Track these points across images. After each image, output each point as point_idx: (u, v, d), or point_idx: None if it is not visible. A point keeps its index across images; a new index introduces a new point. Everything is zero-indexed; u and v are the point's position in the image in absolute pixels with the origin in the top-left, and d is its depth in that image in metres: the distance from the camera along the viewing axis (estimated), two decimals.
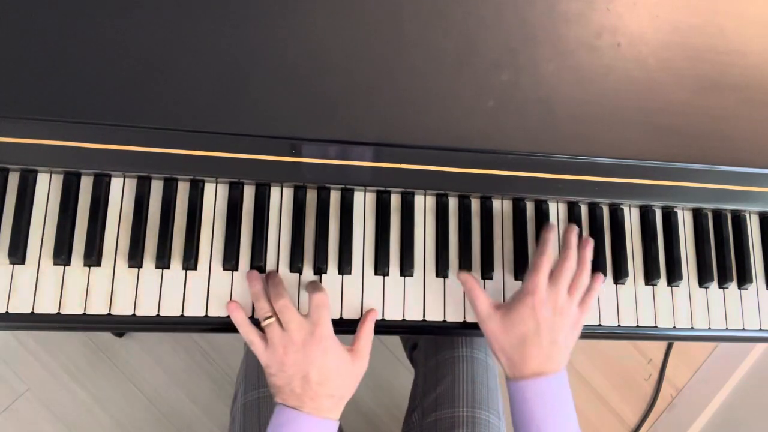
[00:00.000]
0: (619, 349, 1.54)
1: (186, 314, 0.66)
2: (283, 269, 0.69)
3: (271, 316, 0.62)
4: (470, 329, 0.71)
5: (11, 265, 0.64)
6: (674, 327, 0.76)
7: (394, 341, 1.40)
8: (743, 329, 0.78)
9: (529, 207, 0.75)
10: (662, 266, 0.77)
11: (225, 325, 0.67)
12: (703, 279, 0.77)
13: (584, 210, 0.76)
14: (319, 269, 0.69)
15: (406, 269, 0.70)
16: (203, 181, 0.68)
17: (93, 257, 0.64)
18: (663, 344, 1.54)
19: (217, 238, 0.68)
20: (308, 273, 0.69)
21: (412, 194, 0.72)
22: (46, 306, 0.64)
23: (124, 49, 0.63)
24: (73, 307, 0.64)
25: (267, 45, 0.65)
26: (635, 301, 0.75)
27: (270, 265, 0.68)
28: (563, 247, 0.69)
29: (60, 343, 1.31)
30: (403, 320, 0.70)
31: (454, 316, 0.71)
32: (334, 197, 0.71)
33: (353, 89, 0.67)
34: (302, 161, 0.66)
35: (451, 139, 0.68)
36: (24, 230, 0.64)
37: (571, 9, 0.72)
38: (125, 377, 1.33)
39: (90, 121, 0.63)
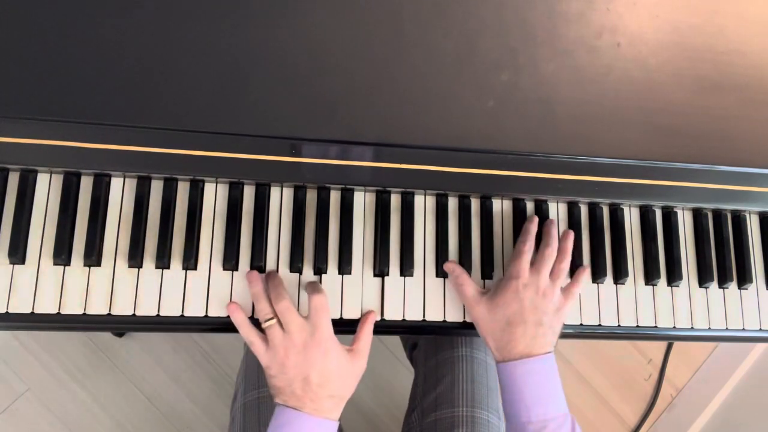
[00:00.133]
0: (619, 349, 1.53)
1: (186, 314, 0.66)
2: (283, 269, 0.69)
3: (272, 318, 0.62)
4: (470, 329, 0.71)
5: (11, 265, 0.64)
6: (674, 327, 0.76)
7: (394, 341, 1.40)
8: (743, 329, 0.78)
9: (529, 207, 0.75)
10: (662, 266, 0.77)
11: (225, 325, 0.67)
12: (703, 279, 0.77)
13: (584, 210, 0.76)
14: (319, 269, 0.69)
15: (406, 269, 0.70)
16: (203, 181, 0.68)
17: (93, 257, 0.64)
18: (663, 344, 1.54)
19: (217, 238, 0.68)
20: (308, 273, 0.69)
21: (412, 194, 0.72)
22: (46, 306, 0.64)
23: (124, 49, 0.63)
24: (73, 307, 0.64)
25: (267, 45, 0.65)
26: (635, 301, 0.75)
27: (270, 265, 0.68)
28: (543, 236, 0.72)
29: (60, 343, 1.31)
30: (403, 320, 0.70)
31: (453, 315, 0.71)
32: (334, 197, 0.71)
33: (353, 89, 0.67)
34: (302, 161, 0.66)
35: (451, 139, 0.68)
36: (24, 230, 0.64)
37: (571, 9, 0.72)
38: (125, 377, 1.33)
39: (90, 121, 0.63)
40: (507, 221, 0.75)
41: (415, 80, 0.68)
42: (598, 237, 0.75)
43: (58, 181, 0.66)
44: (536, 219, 0.73)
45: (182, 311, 0.66)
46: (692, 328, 0.76)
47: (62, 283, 0.64)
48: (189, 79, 0.64)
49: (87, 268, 0.65)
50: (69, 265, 0.65)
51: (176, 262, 0.67)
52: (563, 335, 0.71)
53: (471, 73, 0.69)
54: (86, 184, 0.66)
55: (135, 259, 0.65)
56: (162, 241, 0.66)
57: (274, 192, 0.70)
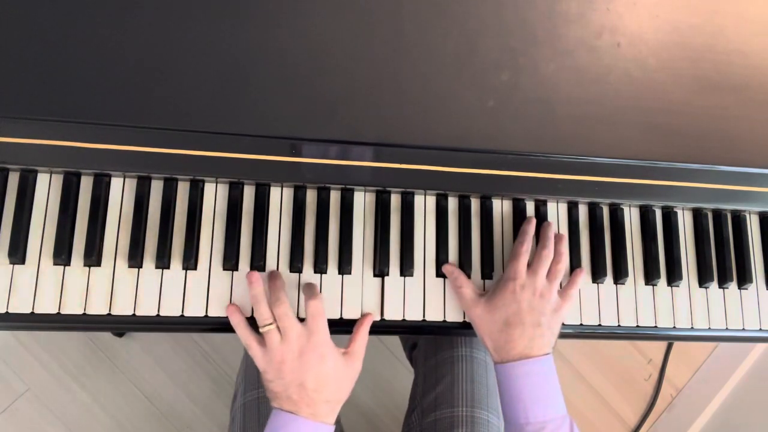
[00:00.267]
0: (619, 349, 1.54)
1: (186, 314, 0.66)
2: (283, 269, 0.69)
3: (270, 323, 0.62)
4: (470, 329, 0.71)
5: (11, 265, 0.64)
6: (674, 327, 0.76)
7: (394, 341, 1.40)
8: (743, 329, 0.78)
9: (529, 207, 0.75)
10: (662, 266, 0.77)
11: (225, 325, 0.67)
12: (703, 279, 0.77)
13: (584, 210, 0.76)
14: (319, 269, 0.69)
15: (406, 269, 0.70)
16: (203, 181, 0.68)
17: (93, 257, 0.64)
18: (663, 344, 1.54)
19: (217, 238, 0.68)
20: (308, 273, 0.69)
21: (412, 194, 0.72)
22: (46, 306, 0.64)
23: (124, 49, 0.63)
24: (73, 307, 0.64)
25: (267, 45, 0.65)
26: (635, 301, 0.75)
27: (270, 265, 0.68)
28: (540, 237, 0.73)
29: (60, 343, 1.31)
30: (403, 320, 0.70)
31: (453, 316, 0.71)
32: (334, 197, 0.71)
33: (353, 89, 0.67)
34: (302, 161, 0.66)
35: (451, 139, 0.68)
36: (24, 230, 0.64)
37: (571, 9, 0.72)
38: (125, 377, 1.33)
39: (90, 121, 0.63)
40: (507, 221, 0.75)
41: (415, 80, 0.68)
42: (598, 237, 0.75)
43: (58, 181, 0.66)
44: (534, 220, 0.73)
45: (182, 311, 0.66)
46: (692, 328, 0.76)
47: (62, 283, 0.64)
48: (189, 79, 0.64)
49: (87, 268, 0.65)
50: (69, 265, 0.65)
51: (176, 262, 0.67)
52: (563, 335, 0.71)
53: (471, 73, 0.69)
54: (86, 184, 0.66)
55: (135, 259, 0.65)
56: (162, 241, 0.66)
57: (274, 192, 0.70)
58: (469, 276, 0.72)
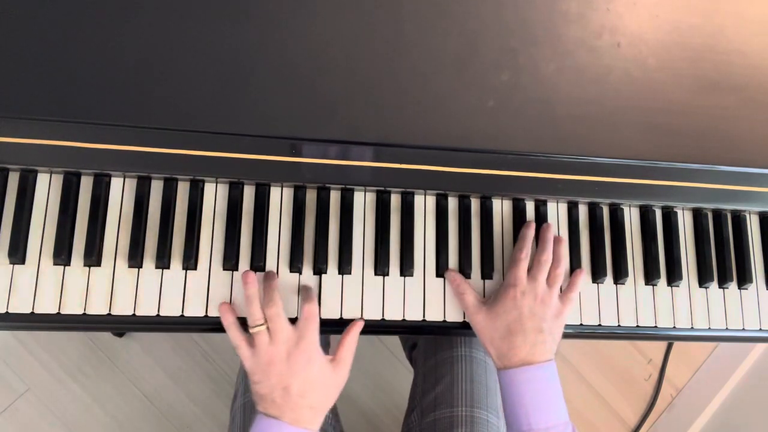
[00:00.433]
0: (619, 349, 1.53)
1: (186, 314, 0.66)
2: (283, 269, 0.69)
3: (261, 324, 0.62)
4: (469, 329, 0.71)
5: (11, 265, 0.64)
6: (674, 327, 0.76)
7: (394, 341, 1.40)
8: (743, 329, 0.78)
9: (529, 207, 0.75)
10: (662, 266, 0.77)
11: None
12: (703, 279, 0.77)
13: (584, 210, 0.76)
14: (319, 269, 0.69)
15: (406, 269, 0.70)
16: (203, 181, 0.68)
17: (93, 257, 0.64)
18: (663, 344, 1.54)
19: (217, 238, 0.68)
20: (308, 273, 0.69)
21: (412, 194, 0.72)
22: (46, 306, 0.64)
23: (124, 49, 0.63)
24: (73, 307, 0.64)
25: (267, 45, 0.65)
26: (635, 301, 0.75)
27: (270, 265, 0.68)
28: (539, 241, 0.73)
29: (60, 343, 1.31)
30: (403, 320, 0.70)
31: (453, 315, 0.71)
32: (334, 197, 0.71)
33: (353, 89, 0.67)
34: (302, 161, 0.66)
35: (451, 139, 0.68)
36: (24, 230, 0.64)
37: (571, 9, 0.72)
38: (125, 377, 1.33)
39: (90, 121, 0.63)
40: (507, 221, 0.75)
41: (415, 80, 0.68)
42: (598, 237, 0.75)
43: (58, 181, 0.66)
44: (533, 224, 0.73)
45: (182, 311, 0.66)
46: (692, 328, 0.76)
47: (62, 283, 0.64)
48: (189, 79, 0.64)
49: (87, 268, 0.65)
50: (69, 265, 0.65)
51: (176, 262, 0.67)
52: (563, 335, 0.71)
53: (471, 73, 0.69)
54: (86, 184, 0.66)
55: (135, 259, 0.65)
56: (162, 241, 0.66)
57: (274, 192, 0.70)
58: (469, 276, 0.72)
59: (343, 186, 0.70)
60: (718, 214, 0.79)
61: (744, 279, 0.78)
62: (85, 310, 0.64)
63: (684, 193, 0.74)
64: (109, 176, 0.67)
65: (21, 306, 0.63)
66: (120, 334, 1.32)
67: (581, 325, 0.74)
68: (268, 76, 0.65)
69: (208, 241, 0.68)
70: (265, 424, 0.61)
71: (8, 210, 0.65)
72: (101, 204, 0.66)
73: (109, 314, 0.65)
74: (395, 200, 0.72)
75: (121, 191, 0.67)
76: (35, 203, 0.65)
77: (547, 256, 0.70)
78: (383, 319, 0.69)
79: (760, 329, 0.78)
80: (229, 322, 0.64)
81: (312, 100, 0.66)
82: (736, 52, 0.75)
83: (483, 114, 0.68)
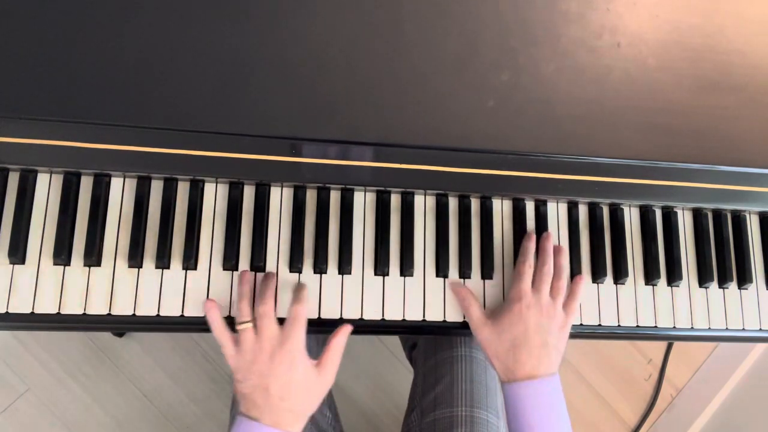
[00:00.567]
0: (619, 349, 1.53)
1: (186, 314, 0.66)
2: (283, 269, 0.69)
3: (248, 321, 0.62)
4: (469, 329, 0.71)
5: (11, 265, 0.64)
6: (674, 327, 0.76)
7: (394, 341, 1.40)
8: (743, 329, 0.78)
9: (529, 207, 0.75)
10: (662, 266, 0.77)
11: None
12: (703, 279, 0.77)
13: (584, 210, 0.76)
14: (319, 269, 0.69)
15: (406, 269, 0.70)
16: (203, 181, 0.68)
17: (93, 257, 0.64)
18: (663, 344, 1.54)
19: (217, 238, 0.68)
20: (308, 273, 0.69)
21: (412, 194, 0.72)
22: (46, 306, 0.64)
23: (124, 49, 0.63)
24: (73, 307, 0.64)
25: (267, 45, 0.65)
26: (635, 301, 0.75)
27: (270, 265, 0.68)
28: (539, 253, 0.72)
29: (60, 343, 1.31)
30: (403, 320, 0.70)
31: (453, 315, 0.71)
32: (334, 197, 0.71)
33: (353, 89, 0.67)
34: (302, 161, 0.66)
35: (451, 139, 0.68)
36: (24, 230, 0.64)
37: (571, 9, 0.72)
38: (125, 377, 1.33)
39: (90, 121, 0.63)
40: (507, 221, 0.75)
41: (415, 80, 0.68)
42: (598, 237, 0.75)
43: (58, 181, 0.66)
44: (533, 236, 0.73)
45: (182, 311, 0.66)
46: (692, 328, 0.76)
47: (62, 283, 0.64)
48: (189, 79, 0.64)
49: (87, 268, 0.65)
50: (69, 265, 0.65)
51: (176, 262, 0.67)
52: None
53: (471, 73, 0.69)
54: (86, 184, 0.66)
55: (135, 259, 0.65)
56: (162, 241, 0.66)
57: (274, 192, 0.70)
58: (469, 276, 0.72)
59: (343, 186, 0.70)
60: (718, 214, 0.79)
61: (744, 279, 0.78)
62: (85, 310, 0.64)
63: (684, 193, 0.74)
64: (109, 176, 0.67)
65: (21, 306, 0.63)
66: (120, 334, 1.32)
67: (581, 325, 0.74)
68: (268, 76, 0.65)
69: (208, 241, 0.68)
70: (244, 426, 0.61)
71: (8, 210, 0.65)
72: (101, 204, 0.66)
73: (109, 314, 0.65)
74: (395, 200, 0.72)
75: (121, 191, 0.67)
76: (35, 203, 0.65)
77: (549, 267, 0.70)
78: (383, 319, 0.69)
79: (760, 329, 0.78)
80: (215, 318, 0.64)
81: (312, 100, 0.66)
82: (736, 52, 0.75)
83: (483, 114, 0.68)
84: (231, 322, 0.66)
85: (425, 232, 0.72)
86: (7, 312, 0.63)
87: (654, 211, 0.78)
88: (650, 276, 0.76)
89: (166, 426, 1.33)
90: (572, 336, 0.74)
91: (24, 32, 0.62)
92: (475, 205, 0.74)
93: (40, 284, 0.64)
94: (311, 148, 0.66)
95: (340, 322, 0.68)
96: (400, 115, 0.67)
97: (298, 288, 0.67)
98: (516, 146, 0.69)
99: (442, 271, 0.71)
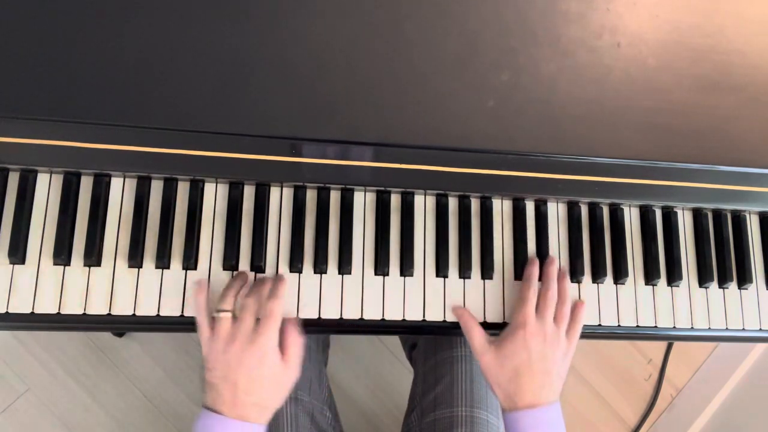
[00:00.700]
0: (619, 349, 1.53)
1: (186, 314, 0.66)
2: (283, 269, 0.69)
3: (228, 310, 0.62)
4: None
5: (11, 265, 0.64)
6: (674, 327, 0.76)
7: (394, 341, 1.40)
8: (743, 329, 0.78)
9: (529, 207, 0.75)
10: (662, 266, 0.77)
11: None
12: (703, 279, 0.77)
13: (584, 210, 0.76)
14: (319, 269, 0.69)
15: (406, 269, 0.70)
16: (203, 181, 0.68)
17: (93, 257, 0.64)
18: (663, 344, 1.54)
19: (217, 238, 0.68)
20: (308, 273, 0.69)
21: (412, 194, 0.72)
22: (46, 306, 0.64)
23: (124, 48, 0.63)
24: (73, 307, 0.64)
25: (267, 45, 0.65)
26: (635, 301, 0.75)
27: (270, 264, 0.68)
28: (543, 279, 0.72)
29: (60, 343, 1.31)
30: (403, 320, 0.70)
31: (453, 316, 0.71)
32: (334, 197, 0.71)
33: (353, 89, 0.67)
34: (302, 161, 0.66)
35: (451, 139, 0.68)
36: (24, 230, 0.64)
37: (571, 9, 0.72)
38: (125, 377, 1.33)
39: (90, 121, 0.63)
40: (507, 221, 0.75)
41: (415, 80, 0.68)
42: (598, 237, 0.75)
43: (58, 181, 0.66)
44: (536, 261, 0.72)
45: (182, 311, 0.66)
46: (692, 328, 0.76)
47: (62, 283, 0.64)
48: (189, 79, 0.64)
49: (87, 268, 0.65)
50: (69, 265, 0.65)
51: (176, 262, 0.67)
52: None
53: (471, 73, 0.69)
54: (86, 184, 0.67)
55: (135, 259, 0.65)
56: (162, 241, 0.66)
57: (274, 192, 0.70)
58: (469, 276, 0.72)
59: (343, 186, 0.70)
60: (718, 214, 0.79)
61: (744, 279, 0.78)
62: (85, 310, 0.64)
63: (684, 193, 0.74)
64: (109, 176, 0.67)
65: (21, 306, 0.63)
66: (120, 334, 1.32)
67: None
68: (268, 76, 0.65)
69: (208, 241, 0.68)
70: (209, 419, 0.60)
71: (8, 210, 0.65)
72: (101, 204, 0.66)
73: (109, 314, 0.65)
74: (395, 200, 0.72)
75: (121, 191, 0.67)
76: (35, 203, 0.65)
77: (553, 293, 0.69)
78: (383, 319, 0.69)
79: (760, 329, 0.78)
80: (201, 302, 0.63)
81: (312, 100, 0.66)
82: (736, 52, 0.75)
83: (483, 114, 0.68)
84: None
85: (425, 232, 0.72)
86: (7, 312, 0.63)
87: (654, 211, 0.78)
88: (650, 276, 0.76)
89: (166, 426, 1.33)
90: None
91: (24, 32, 0.62)
92: (475, 205, 0.74)
93: (40, 284, 0.64)
94: (311, 148, 0.66)
95: (341, 322, 0.68)
96: (400, 115, 0.67)
97: (276, 283, 0.66)
98: (516, 146, 0.69)
99: (442, 271, 0.71)
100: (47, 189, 0.66)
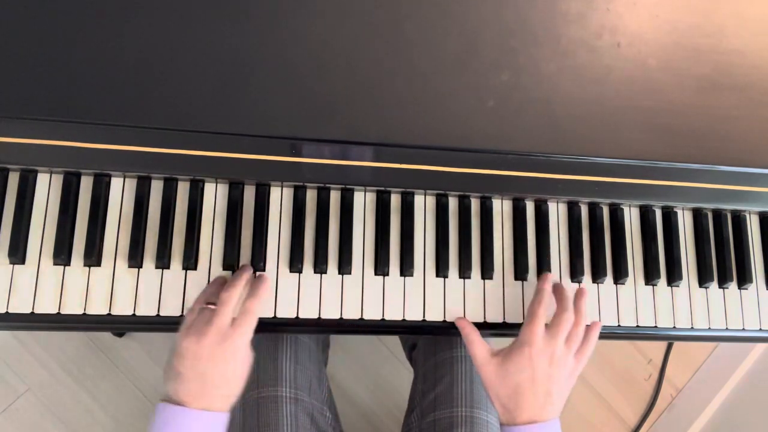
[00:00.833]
0: (619, 349, 1.54)
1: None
2: (283, 269, 0.69)
3: (210, 304, 0.62)
4: None
5: (11, 265, 0.64)
6: (674, 327, 0.76)
7: (394, 341, 1.40)
8: (743, 329, 0.78)
9: (529, 207, 0.75)
10: (662, 266, 0.77)
11: None
12: (703, 279, 0.77)
13: (584, 210, 0.76)
14: (319, 269, 0.69)
15: (406, 269, 0.70)
16: (203, 181, 0.68)
17: (93, 257, 0.64)
18: (663, 344, 1.54)
19: (217, 238, 0.68)
20: (308, 273, 0.69)
21: (412, 194, 0.72)
22: (46, 306, 0.64)
23: (123, 48, 0.63)
24: (73, 307, 0.64)
25: (267, 45, 0.65)
26: (635, 301, 0.75)
27: (270, 265, 0.68)
28: (559, 297, 0.70)
29: (60, 343, 1.31)
30: (403, 320, 0.70)
31: (453, 316, 0.71)
32: (334, 197, 0.71)
33: (353, 89, 0.67)
34: (302, 161, 0.66)
35: (451, 139, 0.68)
36: (24, 230, 0.64)
37: (571, 9, 0.72)
38: (125, 377, 1.33)
39: (90, 121, 0.63)
40: (507, 221, 0.75)
41: (415, 80, 0.68)
42: (598, 237, 0.75)
43: (58, 181, 0.66)
44: (550, 277, 0.71)
45: (182, 311, 0.66)
46: (692, 328, 0.76)
47: (62, 283, 0.64)
48: (189, 79, 0.64)
49: (87, 268, 0.65)
50: (69, 265, 0.65)
51: (176, 262, 0.67)
52: None
53: (471, 73, 0.69)
54: (86, 184, 0.67)
55: (135, 259, 0.65)
56: (162, 241, 0.66)
57: (274, 192, 0.70)
58: (469, 276, 0.72)
59: (343, 186, 0.70)
60: (718, 214, 0.79)
61: (744, 279, 0.78)
62: (85, 310, 0.64)
63: (684, 193, 0.74)
64: (109, 176, 0.67)
65: (21, 306, 0.63)
66: (120, 334, 1.32)
67: None
68: (268, 76, 0.65)
69: (208, 241, 0.68)
70: (170, 412, 0.59)
71: (8, 210, 0.65)
72: (101, 204, 0.66)
73: (109, 314, 0.65)
74: (395, 200, 0.72)
75: (121, 191, 0.67)
76: (35, 203, 0.65)
77: (569, 315, 0.67)
78: (383, 319, 0.69)
79: (760, 329, 0.78)
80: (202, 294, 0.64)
81: (312, 100, 0.66)
82: (736, 52, 0.75)
83: (483, 114, 0.68)
84: None
85: (425, 232, 0.72)
86: (7, 312, 0.63)
87: (654, 211, 0.78)
88: (650, 276, 0.76)
89: None
90: None
91: (24, 32, 0.62)
92: (475, 205, 0.74)
93: (40, 284, 0.64)
94: (311, 148, 0.66)
95: (341, 322, 0.68)
96: (400, 115, 0.67)
97: (256, 282, 0.65)
98: (516, 146, 0.69)
99: (442, 271, 0.71)
100: (47, 189, 0.66)
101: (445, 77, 0.68)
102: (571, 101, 0.70)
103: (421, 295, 0.71)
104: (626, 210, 0.77)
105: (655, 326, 0.75)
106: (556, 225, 0.75)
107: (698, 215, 0.79)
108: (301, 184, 0.70)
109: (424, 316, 0.70)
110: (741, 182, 0.75)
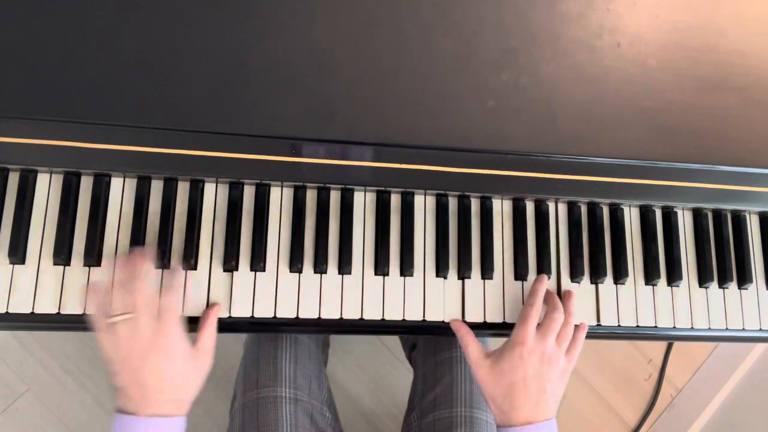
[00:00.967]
0: (619, 349, 1.54)
1: (185, 314, 0.66)
2: (283, 269, 0.69)
3: (123, 314, 0.59)
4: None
5: (11, 265, 0.64)
6: (674, 327, 0.76)
7: (394, 341, 1.40)
8: (743, 329, 0.78)
9: (529, 207, 0.75)
10: (662, 266, 0.77)
11: (225, 326, 0.67)
12: (703, 279, 0.77)
13: (584, 210, 0.76)
14: (319, 269, 0.69)
15: (406, 269, 0.70)
16: (203, 181, 0.68)
17: (93, 257, 0.64)
18: (663, 344, 1.54)
19: (217, 238, 0.68)
20: (308, 273, 0.69)
21: (412, 194, 0.72)
22: (46, 306, 0.64)
23: (124, 48, 0.63)
24: (73, 307, 0.64)
25: (267, 45, 0.65)
26: (635, 301, 0.75)
27: (270, 264, 0.68)
28: (549, 298, 0.71)
29: (60, 343, 1.31)
30: (403, 320, 0.70)
31: (453, 316, 0.71)
32: (334, 197, 0.71)
33: (353, 89, 0.67)
34: (302, 161, 0.66)
35: (451, 139, 0.68)
36: (24, 230, 0.64)
37: (571, 9, 0.72)
38: None
39: (90, 121, 0.63)
40: (507, 221, 0.75)
41: (415, 80, 0.68)
42: (598, 237, 0.75)
43: (58, 181, 0.66)
44: (545, 278, 0.72)
45: (181, 311, 0.66)
46: (692, 328, 0.76)
47: (62, 283, 0.64)
48: (189, 79, 0.64)
49: (87, 268, 0.65)
50: (69, 265, 0.65)
51: (176, 263, 0.67)
52: None
53: (471, 73, 0.69)
54: (86, 184, 0.67)
55: None
56: (162, 241, 0.66)
57: (274, 192, 0.70)
58: (469, 276, 0.72)
59: (343, 186, 0.70)
60: (718, 214, 0.79)
61: (744, 279, 0.78)
62: (85, 310, 0.64)
63: (684, 193, 0.74)
64: (109, 176, 0.67)
65: (21, 306, 0.63)
66: None
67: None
68: (268, 76, 0.65)
69: (208, 241, 0.68)
70: (121, 423, 0.58)
71: (8, 210, 0.65)
72: (101, 204, 0.66)
73: None
74: (395, 200, 0.72)
75: (121, 191, 0.67)
76: (35, 203, 0.65)
77: (559, 314, 0.68)
78: (383, 319, 0.69)
79: (760, 329, 0.78)
80: (98, 305, 0.61)
81: (312, 100, 0.66)
82: (736, 52, 0.75)
83: (483, 114, 0.68)
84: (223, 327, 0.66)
85: (425, 232, 0.72)
86: (7, 312, 0.63)
87: (654, 211, 0.78)
88: (650, 276, 0.76)
89: None
90: None
91: (24, 32, 0.62)
92: (475, 205, 0.74)
93: (40, 284, 0.64)
94: (311, 148, 0.66)
95: (341, 322, 0.68)
96: (400, 115, 0.67)
97: (171, 276, 0.64)
98: (516, 146, 0.69)
99: (442, 271, 0.71)
100: (47, 189, 0.66)
101: (445, 77, 0.68)
102: (571, 101, 0.70)
103: (421, 295, 0.71)
104: (626, 210, 0.77)
105: (655, 326, 0.75)
106: (556, 225, 0.75)
107: (698, 215, 0.79)
108: (301, 184, 0.70)
109: (424, 316, 0.70)
110: (741, 182, 0.75)
